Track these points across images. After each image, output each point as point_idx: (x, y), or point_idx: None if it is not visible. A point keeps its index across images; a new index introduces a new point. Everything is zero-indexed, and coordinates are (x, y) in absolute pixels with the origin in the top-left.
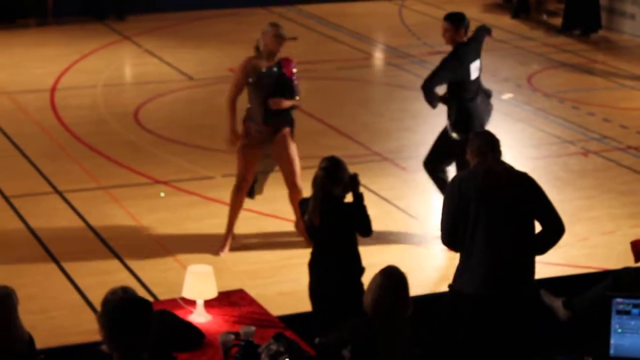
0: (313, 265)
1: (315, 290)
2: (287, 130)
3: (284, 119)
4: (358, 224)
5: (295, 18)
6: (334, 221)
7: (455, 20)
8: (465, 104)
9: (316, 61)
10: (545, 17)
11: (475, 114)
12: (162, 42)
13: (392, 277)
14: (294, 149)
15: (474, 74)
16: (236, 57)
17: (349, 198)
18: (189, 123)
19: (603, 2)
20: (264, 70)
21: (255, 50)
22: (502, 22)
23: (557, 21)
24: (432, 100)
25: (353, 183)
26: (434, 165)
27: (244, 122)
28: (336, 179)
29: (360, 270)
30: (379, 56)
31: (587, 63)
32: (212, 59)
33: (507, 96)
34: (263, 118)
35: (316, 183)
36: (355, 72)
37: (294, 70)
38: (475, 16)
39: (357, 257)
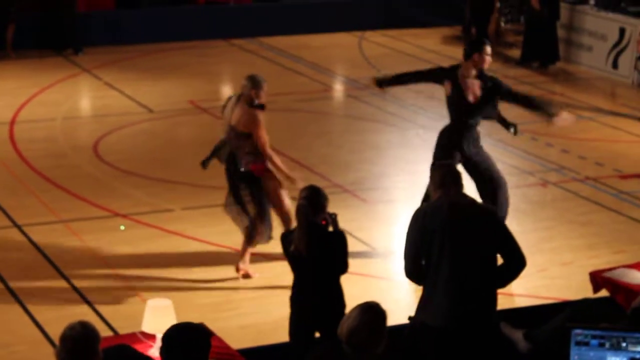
0: (296, 298)
1: (297, 323)
2: None
3: None
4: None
5: (256, 50)
6: (320, 250)
7: None
8: None
9: (276, 93)
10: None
11: None
12: (121, 74)
13: (371, 312)
14: None
15: None
16: (196, 90)
17: None
18: (148, 156)
19: (561, 34)
20: None
21: (253, 101)
22: (461, 54)
23: (516, 53)
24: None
25: (333, 222)
26: None
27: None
28: (318, 207)
29: (343, 305)
30: (338, 88)
31: (546, 94)
32: (173, 92)
33: None
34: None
35: (300, 212)
36: (315, 104)
37: None
38: (434, 48)
39: (340, 292)
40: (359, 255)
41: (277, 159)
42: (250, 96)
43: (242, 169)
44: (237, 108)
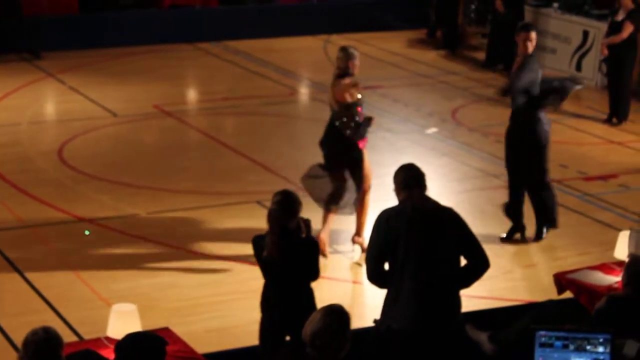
0: (266, 302)
1: (267, 327)
2: None
3: None
4: (309, 266)
5: (221, 54)
6: (292, 255)
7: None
8: None
9: (242, 97)
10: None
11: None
12: (86, 78)
13: (335, 315)
14: None
15: None
16: (160, 93)
17: None
18: (113, 160)
19: None
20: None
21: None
22: (426, 57)
23: (481, 56)
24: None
25: (306, 228)
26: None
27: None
28: (291, 212)
29: (314, 309)
30: (304, 91)
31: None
32: (137, 96)
33: (431, 130)
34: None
35: (272, 217)
36: (281, 108)
37: None
38: (399, 51)
39: (311, 296)
40: (324, 258)
41: None
42: (347, 67)
43: (348, 133)
44: (334, 81)
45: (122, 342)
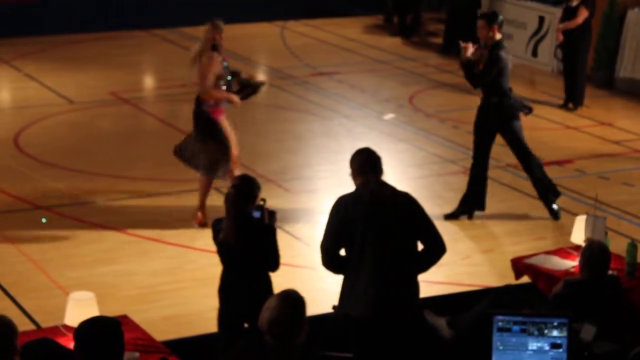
0: (224, 290)
1: (225, 314)
2: None
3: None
4: (268, 255)
5: (178, 40)
6: (249, 240)
7: (489, 17)
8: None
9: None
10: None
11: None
12: (42, 65)
13: (290, 301)
14: None
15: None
16: (117, 80)
17: None
18: (70, 147)
19: None
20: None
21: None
22: (383, 43)
23: (438, 42)
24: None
25: (270, 218)
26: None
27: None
28: (248, 197)
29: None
30: (261, 78)
31: (467, 83)
32: (93, 83)
33: (388, 116)
34: None
35: (228, 201)
36: None
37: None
38: (356, 37)
39: (269, 282)
40: (282, 244)
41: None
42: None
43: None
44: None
45: (80, 329)
